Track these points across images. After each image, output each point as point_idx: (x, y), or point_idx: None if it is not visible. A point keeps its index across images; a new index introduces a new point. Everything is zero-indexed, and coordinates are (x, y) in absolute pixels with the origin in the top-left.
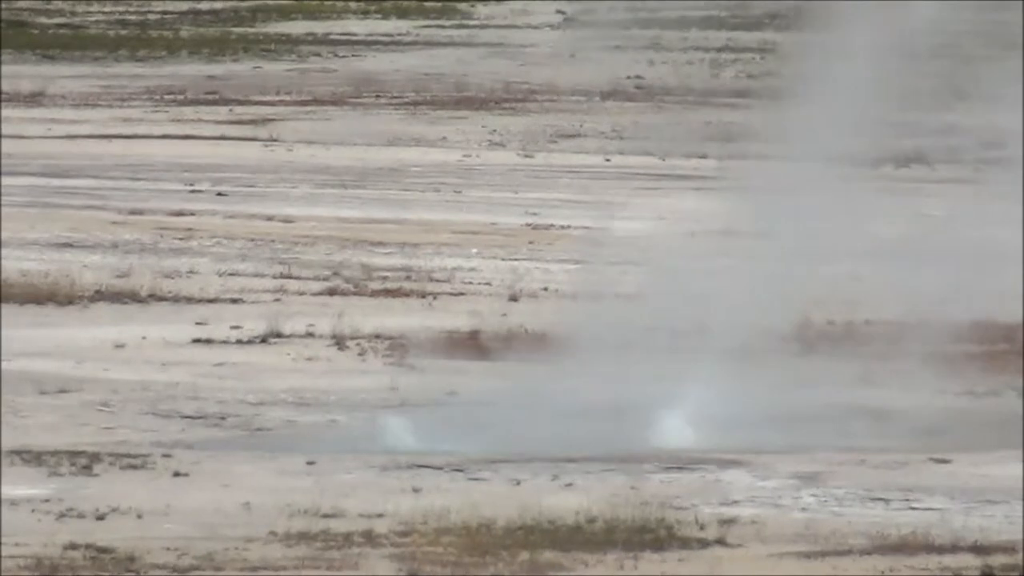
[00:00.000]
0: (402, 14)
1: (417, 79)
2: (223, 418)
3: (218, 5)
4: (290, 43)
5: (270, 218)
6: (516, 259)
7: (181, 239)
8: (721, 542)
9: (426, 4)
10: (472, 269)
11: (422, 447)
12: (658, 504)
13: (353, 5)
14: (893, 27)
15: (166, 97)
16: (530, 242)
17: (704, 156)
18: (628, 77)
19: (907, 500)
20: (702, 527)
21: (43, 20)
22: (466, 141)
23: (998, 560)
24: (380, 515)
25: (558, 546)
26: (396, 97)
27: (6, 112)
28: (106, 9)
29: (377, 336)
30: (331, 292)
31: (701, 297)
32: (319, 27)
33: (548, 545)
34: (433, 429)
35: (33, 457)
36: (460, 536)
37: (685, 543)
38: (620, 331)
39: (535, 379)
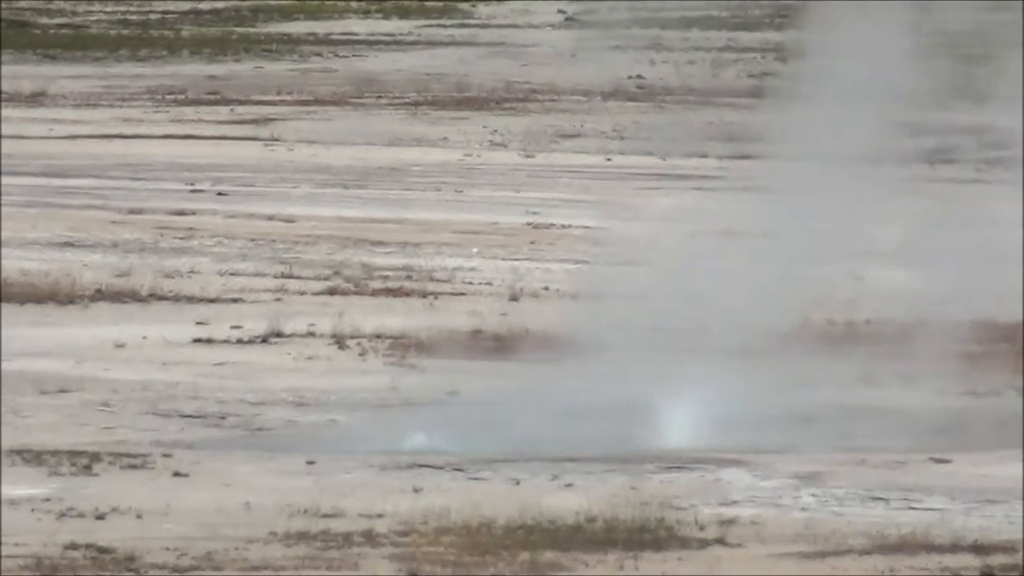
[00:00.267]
0: (403, 14)
1: (418, 79)
2: (223, 418)
3: (219, 5)
4: (291, 43)
5: (271, 218)
6: (517, 259)
7: (182, 239)
8: (721, 542)
9: (427, 4)
10: (473, 269)
11: (422, 447)
12: (658, 504)
13: (354, 5)
14: (893, 27)
15: (167, 97)
16: (531, 242)
17: (705, 156)
18: (629, 77)
19: (907, 500)
20: (702, 527)
21: (44, 20)
22: (467, 141)
23: (998, 560)
24: (380, 515)
25: (558, 546)
26: (397, 97)
27: (7, 112)
28: (107, 9)
29: (378, 336)
30: (332, 292)
31: (702, 297)
32: (320, 27)
33: (548, 545)
34: (433, 429)
35: (33, 457)
36: (460, 536)
37: (685, 543)
38: (621, 331)
39: (536, 379)
